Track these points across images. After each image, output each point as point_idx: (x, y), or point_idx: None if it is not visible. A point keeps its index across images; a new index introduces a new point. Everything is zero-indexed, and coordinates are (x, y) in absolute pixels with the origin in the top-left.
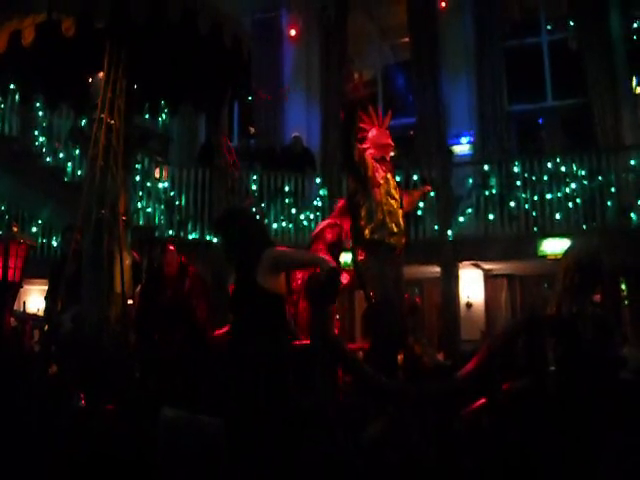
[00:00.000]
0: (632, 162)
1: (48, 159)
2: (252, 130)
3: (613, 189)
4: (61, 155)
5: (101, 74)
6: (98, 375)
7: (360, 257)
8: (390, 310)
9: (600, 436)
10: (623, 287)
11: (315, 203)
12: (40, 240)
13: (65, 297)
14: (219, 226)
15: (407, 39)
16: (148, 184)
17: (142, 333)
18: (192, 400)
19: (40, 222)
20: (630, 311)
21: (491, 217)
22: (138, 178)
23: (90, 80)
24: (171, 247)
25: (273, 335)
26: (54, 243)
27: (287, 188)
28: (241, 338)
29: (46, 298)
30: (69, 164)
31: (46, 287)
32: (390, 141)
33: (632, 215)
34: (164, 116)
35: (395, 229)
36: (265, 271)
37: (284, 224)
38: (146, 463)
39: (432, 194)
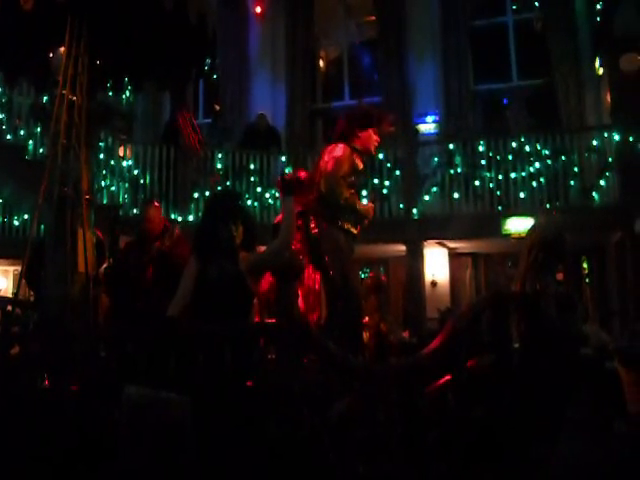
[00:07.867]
0: (595, 142)
1: (8, 136)
2: (217, 108)
3: (576, 169)
4: (22, 132)
5: (62, 49)
6: (62, 355)
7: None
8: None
9: (561, 412)
10: (585, 266)
11: None
12: (1, 219)
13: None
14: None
15: (373, 17)
16: (112, 162)
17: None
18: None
19: (1, 201)
20: (591, 289)
21: (456, 196)
22: (102, 156)
23: (51, 55)
24: (156, 203)
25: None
26: (16, 222)
27: (252, 166)
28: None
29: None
30: (30, 142)
31: (7, 267)
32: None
33: (594, 195)
34: (128, 93)
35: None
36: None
37: (249, 202)
38: (110, 443)
39: (397, 172)
